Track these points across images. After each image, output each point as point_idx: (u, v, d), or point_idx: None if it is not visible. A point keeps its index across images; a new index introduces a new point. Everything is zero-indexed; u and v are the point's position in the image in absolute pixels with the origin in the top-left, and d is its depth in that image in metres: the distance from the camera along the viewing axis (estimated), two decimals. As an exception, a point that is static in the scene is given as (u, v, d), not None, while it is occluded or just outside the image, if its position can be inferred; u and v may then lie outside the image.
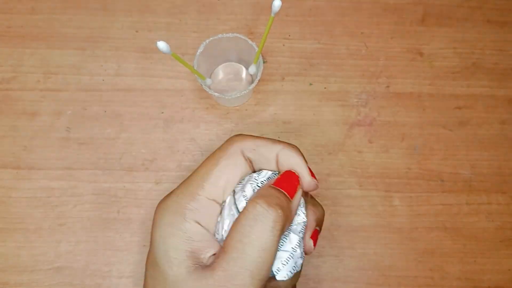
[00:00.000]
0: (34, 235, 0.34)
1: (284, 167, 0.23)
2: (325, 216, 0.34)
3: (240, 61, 0.36)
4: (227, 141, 0.24)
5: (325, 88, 0.37)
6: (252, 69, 0.34)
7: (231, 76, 0.37)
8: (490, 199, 0.35)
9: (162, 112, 0.36)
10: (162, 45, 0.25)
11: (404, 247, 0.34)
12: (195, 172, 0.24)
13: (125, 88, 0.36)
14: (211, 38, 0.31)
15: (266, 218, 0.20)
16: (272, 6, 0.26)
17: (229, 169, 0.23)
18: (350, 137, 0.36)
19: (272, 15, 0.26)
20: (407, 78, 0.37)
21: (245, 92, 0.31)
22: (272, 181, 0.23)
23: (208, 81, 0.33)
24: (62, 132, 0.35)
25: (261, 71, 0.32)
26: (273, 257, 0.20)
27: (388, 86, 0.37)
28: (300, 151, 0.24)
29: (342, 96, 0.37)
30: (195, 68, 0.31)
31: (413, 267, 0.34)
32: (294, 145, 0.24)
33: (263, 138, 0.24)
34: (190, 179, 0.23)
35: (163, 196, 0.23)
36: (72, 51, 0.37)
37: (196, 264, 0.21)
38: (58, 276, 0.33)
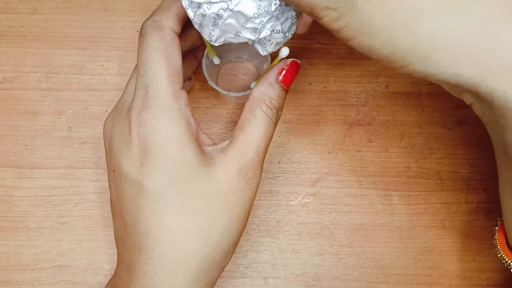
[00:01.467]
0: (35, 234, 0.34)
1: None
2: (325, 215, 0.35)
3: (251, 58, 0.36)
4: (149, 28, 0.24)
5: (324, 87, 0.37)
6: (253, 85, 0.34)
7: (240, 73, 0.37)
8: (489, 197, 0.36)
9: (163, 112, 0.36)
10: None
11: (403, 246, 0.35)
12: (149, 72, 0.24)
13: (126, 88, 0.37)
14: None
15: (269, 123, 0.25)
16: (280, 53, 0.26)
17: (177, 55, 0.25)
18: (350, 136, 0.36)
19: (279, 58, 0.26)
20: (406, 77, 0.37)
21: (246, 93, 0.32)
22: (276, 72, 0.26)
23: (216, 59, 0.32)
24: (63, 131, 0.36)
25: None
26: (266, 152, 0.26)
27: (387, 86, 0.37)
28: None
29: (341, 96, 0.37)
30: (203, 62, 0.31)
31: (412, 265, 0.34)
32: None
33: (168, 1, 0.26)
34: (154, 82, 0.24)
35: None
36: (74, 51, 0.37)
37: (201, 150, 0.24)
38: (59, 275, 0.33)
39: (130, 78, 0.27)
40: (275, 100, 0.26)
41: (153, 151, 0.23)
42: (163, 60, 0.24)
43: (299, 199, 0.35)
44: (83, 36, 0.37)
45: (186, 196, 0.23)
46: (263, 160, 0.26)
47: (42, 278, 0.33)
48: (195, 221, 0.23)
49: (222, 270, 0.26)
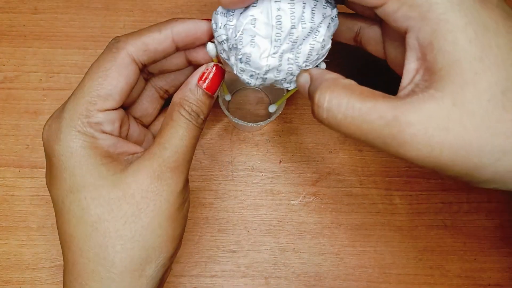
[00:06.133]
0: (36, 233, 0.34)
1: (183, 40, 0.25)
2: (326, 214, 0.35)
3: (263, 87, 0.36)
4: (108, 47, 0.24)
5: (325, 87, 0.37)
6: (272, 108, 0.34)
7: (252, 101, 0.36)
8: (490, 197, 0.36)
9: (164, 111, 0.36)
10: (211, 47, 0.24)
11: (405, 245, 0.35)
12: (81, 86, 0.23)
13: (127, 87, 0.37)
14: None
15: (189, 125, 0.24)
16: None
17: (119, 79, 0.24)
18: (351, 136, 0.36)
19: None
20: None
21: (261, 124, 0.31)
22: (197, 77, 0.25)
23: (228, 96, 0.32)
24: (64, 131, 0.36)
25: (282, 109, 0.31)
26: (191, 152, 0.24)
27: (388, 85, 0.37)
28: (194, 21, 0.25)
29: (342, 95, 0.37)
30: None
31: (413, 265, 0.34)
32: (185, 18, 0.25)
33: (149, 28, 0.25)
34: (77, 96, 0.23)
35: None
36: (75, 50, 0.37)
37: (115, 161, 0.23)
38: (60, 274, 0.33)
39: None
40: (194, 104, 0.24)
41: (55, 163, 0.23)
42: (97, 80, 0.23)
43: (300, 199, 0.35)
44: (84, 36, 0.37)
45: (87, 203, 0.22)
46: (187, 161, 0.24)
47: (43, 277, 0.33)
48: (99, 229, 0.22)
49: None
